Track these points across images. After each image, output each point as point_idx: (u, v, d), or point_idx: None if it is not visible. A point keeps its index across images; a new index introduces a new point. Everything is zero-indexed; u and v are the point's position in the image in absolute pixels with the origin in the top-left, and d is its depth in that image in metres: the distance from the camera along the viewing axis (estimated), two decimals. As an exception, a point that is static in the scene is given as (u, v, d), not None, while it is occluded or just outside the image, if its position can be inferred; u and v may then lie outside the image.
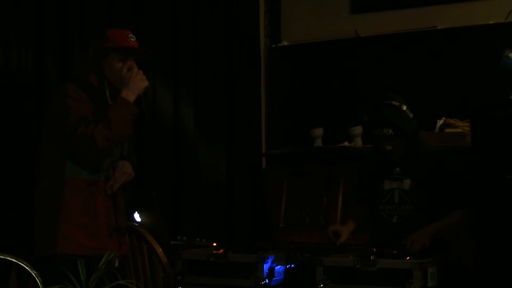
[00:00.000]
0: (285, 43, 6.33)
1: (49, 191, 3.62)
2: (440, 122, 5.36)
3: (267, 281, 3.99)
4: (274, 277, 4.04)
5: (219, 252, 4.14)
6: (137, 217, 4.67)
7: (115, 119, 3.55)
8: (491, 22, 5.48)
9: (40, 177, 3.66)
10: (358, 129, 5.63)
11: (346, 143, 5.78)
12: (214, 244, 4.29)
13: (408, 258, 3.78)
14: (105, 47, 3.68)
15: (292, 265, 4.15)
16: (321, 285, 3.82)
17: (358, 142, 5.70)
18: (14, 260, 3.41)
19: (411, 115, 4.14)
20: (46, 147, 3.66)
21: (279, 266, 4.08)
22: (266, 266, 4.00)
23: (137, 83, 3.65)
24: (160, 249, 4.19)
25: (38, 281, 3.19)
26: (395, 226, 4.14)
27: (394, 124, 4.07)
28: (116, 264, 2.59)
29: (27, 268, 3.35)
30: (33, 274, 3.32)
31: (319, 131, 5.96)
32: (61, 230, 3.57)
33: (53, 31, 4.61)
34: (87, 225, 3.60)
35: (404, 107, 4.12)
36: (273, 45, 6.34)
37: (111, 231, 3.65)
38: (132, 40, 3.75)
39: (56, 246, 3.56)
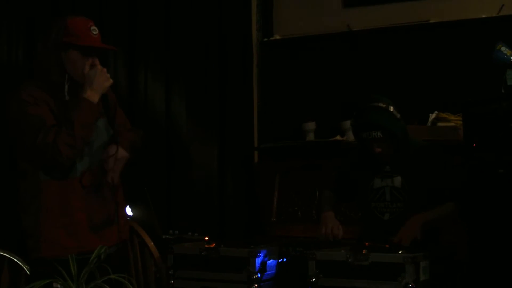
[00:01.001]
0: (277, 37, 6.33)
1: (28, 195, 3.53)
2: (432, 116, 5.37)
3: (259, 275, 3.98)
4: (266, 271, 4.04)
5: (211, 246, 4.13)
6: (128, 211, 4.65)
7: (78, 123, 3.40)
8: (483, 16, 5.48)
9: (20, 180, 3.56)
10: (350, 123, 5.62)
11: (338, 137, 5.78)
12: (206, 238, 4.27)
13: (400, 252, 3.78)
14: (66, 41, 3.49)
15: (285, 259, 4.14)
16: (313, 279, 3.82)
17: (351, 136, 5.68)
18: (6, 254, 3.39)
19: (399, 115, 4.10)
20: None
21: (271, 260, 4.07)
22: (258, 260, 3.99)
23: (101, 82, 3.49)
24: (152, 243, 4.18)
25: (27, 272, 3.18)
26: (386, 223, 4.14)
27: (382, 126, 4.05)
28: (103, 257, 2.55)
29: (18, 262, 3.34)
30: (25, 268, 3.31)
31: (311, 125, 5.97)
32: (43, 233, 3.48)
33: (45, 24, 4.58)
34: (66, 225, 3.50)
35: (391, 108, 4.09)
36: (265, 39, 6.33)
37: (94, 226, 3.55)
38: (95, 33, 3.54)
39: (41, 250, 3.48)
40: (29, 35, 4.49)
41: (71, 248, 3.34)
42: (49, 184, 3.49)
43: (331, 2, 6.13)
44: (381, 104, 4.09)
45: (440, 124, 5.30)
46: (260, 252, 4.01)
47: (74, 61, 3.51)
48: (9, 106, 3.52)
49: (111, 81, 3.55)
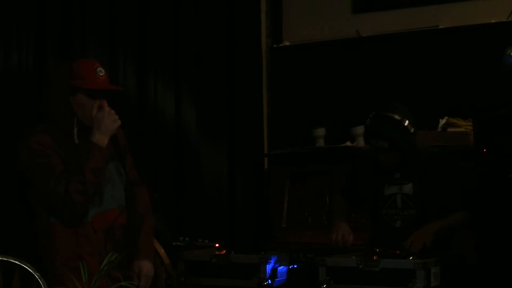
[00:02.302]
0: (287, 43, 6.33)
1: (41, 237, 3.56)
2: (442, 121, 5.36)
3: (269, 282, 3.98)
4: (277, 278, 4.03)
5: (222, 253, 4.13)
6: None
7: (88, 169, 3.43)
8: (493, 21, 5.47)
9: (34, 218, 3.59)
10: (360, 129, 5.61)
11: (348, 143, 5.78)
12: (217, 245, 4.28)
13: (411, 258, 3.77)
14: (72, 85, 3.51)
15: (295, 266, 4.14)
16: (324, 286, 3.81)
17: (361, 142, 5.69)
18: (17, 262, 3.40)
19: (412, 130, 4.04)
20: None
21: (282, 267, 4.07)
22: (268, 267, 3.99)
23: (109, 125, 3.51)
24: (163, 250, 4.18)
25: (41, 283, 3.18)
26: (398, 230, 4.12)
27: (390, 138, 4.03)
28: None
29: (29, 270, 3.34)
30: (36, 276, 3.31)
31: (321, 131, 5.96)
32: (57, 274, 3.50)
33: (55, 31, 4.60)
34: (77, 268, 3.48)
35: (406, 122, 4.02)
36: (275, 45, 6.33)
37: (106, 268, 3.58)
38: (101, 74, 3.55)
39: None
40: (39, 42, 4.51)
41: None
42: (60, 228, 3.52)
43: (340, 8, 6.13)
44: (396, 116, 4.03)
45: (450, 129, 5.29)
46: (270, 259, 4.00)
47: (82, 104, 3.53)
48: (19, 154, 3.53)
49: (119, 122, 3.55)
